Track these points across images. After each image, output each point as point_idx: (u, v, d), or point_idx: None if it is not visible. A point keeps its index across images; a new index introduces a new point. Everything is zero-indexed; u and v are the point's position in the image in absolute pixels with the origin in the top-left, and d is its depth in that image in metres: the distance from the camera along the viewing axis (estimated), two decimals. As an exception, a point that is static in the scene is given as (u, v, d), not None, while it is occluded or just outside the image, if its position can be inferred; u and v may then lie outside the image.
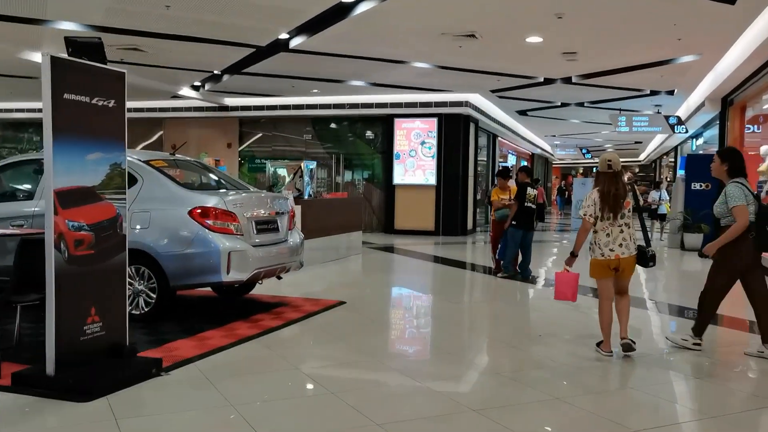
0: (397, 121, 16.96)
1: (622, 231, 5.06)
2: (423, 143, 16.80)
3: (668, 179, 30.43)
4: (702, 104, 14.72)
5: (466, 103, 16.16)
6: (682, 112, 17.42)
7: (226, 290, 7.38)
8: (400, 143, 17.00)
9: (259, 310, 6.79)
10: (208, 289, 7.13)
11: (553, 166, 44.54)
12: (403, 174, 17.00)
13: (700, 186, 14.48)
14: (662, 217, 16.84)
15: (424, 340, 6.06)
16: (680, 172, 16.98)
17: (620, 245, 5.04)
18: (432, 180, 16.73)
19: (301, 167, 10.88)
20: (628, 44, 10.35)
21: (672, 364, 5.20)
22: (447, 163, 16.66)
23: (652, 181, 33.05)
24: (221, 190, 6.74)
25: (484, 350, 5.71)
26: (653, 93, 15.10)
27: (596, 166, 5.49)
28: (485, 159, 21.40)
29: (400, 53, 11.65)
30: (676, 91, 14.92)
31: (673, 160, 28.98)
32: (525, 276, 9.31)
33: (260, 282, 6.98)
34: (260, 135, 18.84)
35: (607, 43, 10.36)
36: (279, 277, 7.12)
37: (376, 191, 17.80)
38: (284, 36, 10.41)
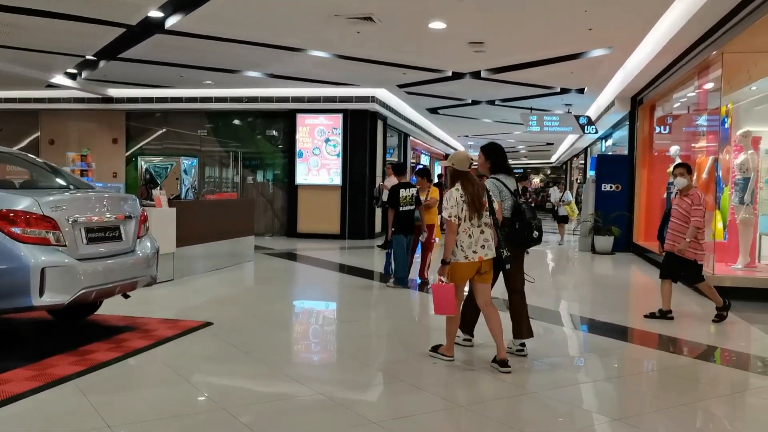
0: (299, 116, 15.81)
1: (483, 232, 4.80)
2: (327, 141, 15.73)
3: (578, 181, 30.70)
4: (612, 103, 14.39)
5: (373, 99, 15.21)
6: (593, 111, 17.15)
7: (62, 312, 6.03)
8: (303, 141, 15.86)
9: (98, 337, 5.51)
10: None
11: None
12: (306, 173, 15.86)
13: (611, 187, 14.14)
14: (562, 219, 16.40)
15: (294, 376, 4.90)
16: (590, 173, 16.67)
17: (482, 246, 4.78)
18: (337, 180, 15.67)
19: (178, 164, 9.56)
20: (537, 33, 9.64)
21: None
22: (353, 162, 15.65)
23: (557, 182, 33.37)
24: (41, 190, 5.39)
25: (366, 390, 4.65)
26: (564, 91, 14.64)
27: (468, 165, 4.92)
28: (397, 159, 20.55)
29: (293, 39, 10.53)
30: (586, 89, 14.51)
31: (583, 162, 29.19)
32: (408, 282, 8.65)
33: (98, 302, 5.70)
34: (150, 130, 17.18)
35: (515, 32, 9.61)
36: (126, 296, 5.88)
37: (278, 192, 16.57)
38: (156, 14, 9.07)
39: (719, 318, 6.73)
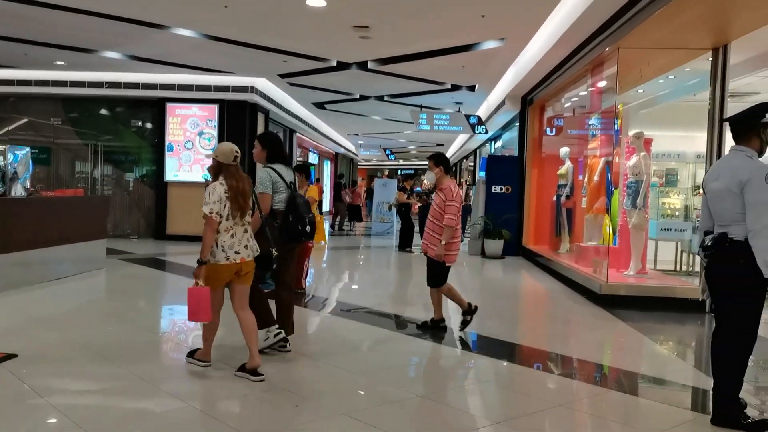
0: (169, 106, 14.26)
1: (246, 231, 4.55)
2: (201, 134, 14.28)
3: (467, 182, 30.72)
4: (502, 102, 13.96)
5: (252, 89, 13.93)
6: (483, 111, 16.75)
7: None
8: (173, 133, 14.32)
9: None
10: None
11: (359, 167, 43.79)
12: (177, 169, 14.33)
13: (501, 189, 13.70)
14: None
15: None
16: (481, 174, 16.21)
17: (245, 247, 4.51)
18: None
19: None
20: (427, 18, 8.77)
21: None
22: (230, 158, 14.28)
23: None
24: None
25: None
26: (455, 88, 14.04)
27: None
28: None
29: (152, 13, 9.14)
30: (477, 86, 13.99)
31: (472, 164, 29.18)
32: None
33: None
34: (-6, 117, 14.97)
35: (403, 15, 8.71)
36: None
37: (145, 189, 14.89)
38: (-28, -31, 7.46)
39: (424, 326, 6.16)
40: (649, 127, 10.47)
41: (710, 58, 7.93)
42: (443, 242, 5.85)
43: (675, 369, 5.40)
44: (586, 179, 10.40)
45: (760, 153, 3.85)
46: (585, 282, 8.54)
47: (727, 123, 3.96)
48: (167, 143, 14.29)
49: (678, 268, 11.32)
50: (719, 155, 7.74)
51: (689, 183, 12.51)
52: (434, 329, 6.16)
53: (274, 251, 4.65)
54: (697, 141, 12.69)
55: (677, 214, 12.12)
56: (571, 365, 5.40)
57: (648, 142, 9.13)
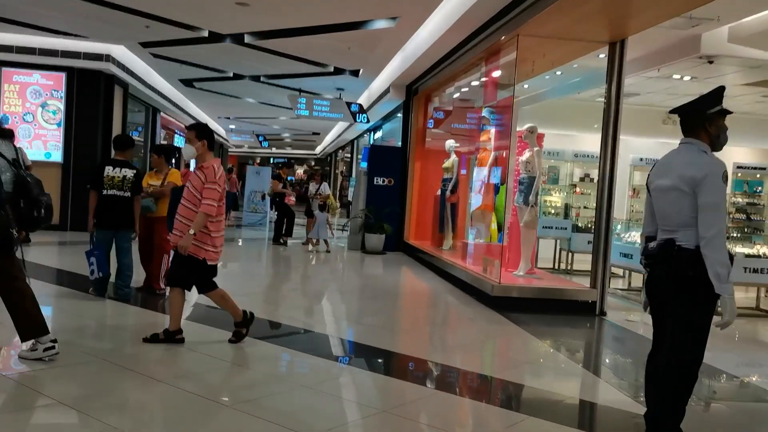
0: (5, 71, 12.36)
1: None
2: (44, 105, 12.43)
3: (343, 173, 30.09)
4: (387, 91, 13.32)
5: (108, 58, 12.27)
6: (365, 99, 16.03)
7: None
8: (10, 102, 12.41)
9: None
10: None
11: (230, 153, 41.75)
12: (13, 145, 12.37)
13: (383, 181, 13.05)
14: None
15: None
16: (362, 165, 15.44)
17: None
18: (57, 156, 12.48)
19: None
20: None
21: None
22: (81, 135, 12.57)
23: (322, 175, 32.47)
24: None
25: None
26: (338, 72, 13.19)
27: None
28: (144, 139, 17.49)
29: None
30: (361, 71, 13.22)
31: (349, 155, 28.51)
32: (121, 294, 6.52)
33: None
34: None
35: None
36: None
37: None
38: None
39: (237, 337, 5.09)
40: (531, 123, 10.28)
41: (602, 54, 7.66)
42: (192, 231, 4.73)
43: (596, 388, 4.90)
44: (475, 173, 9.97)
45: (713, 147, 3.34)
46: (475, 282, 8.03)
47: (677, 114, 3.42)
48: (1, 114, 12.27)
49: (557, 267, 11.27)
50: (613, 153, 7.50)
51: (567, 181, 12.58)
52: (169, 342, 4.94)
53: (14, 232, 4.05)
54: (576, 139, 12.87)
55: (553, 212, 12.13)
56: (485, 385, 4.75)
57: (541, 137, 8.80)
